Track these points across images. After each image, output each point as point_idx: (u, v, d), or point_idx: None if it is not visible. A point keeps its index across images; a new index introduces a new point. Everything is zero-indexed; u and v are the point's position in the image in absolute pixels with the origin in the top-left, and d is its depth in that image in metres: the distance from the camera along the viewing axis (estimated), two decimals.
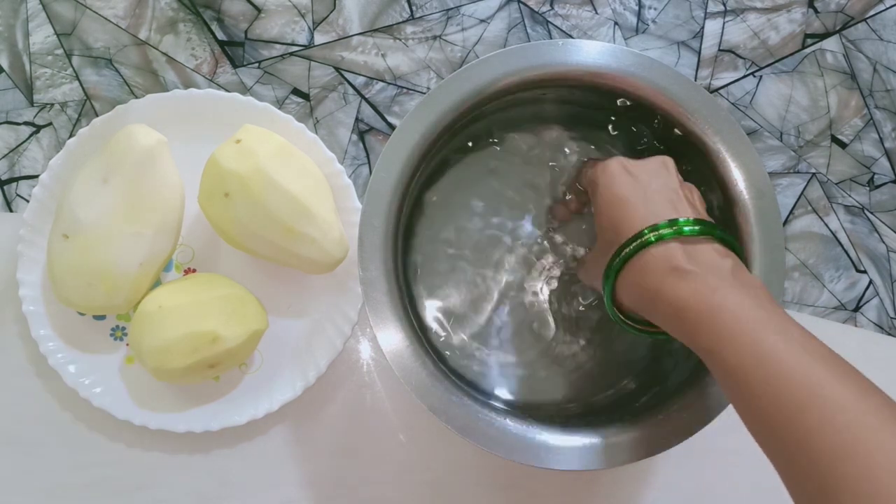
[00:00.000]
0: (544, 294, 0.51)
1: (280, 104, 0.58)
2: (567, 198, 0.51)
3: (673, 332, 0.39)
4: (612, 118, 0.51)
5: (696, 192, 0.44)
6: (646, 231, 0.39)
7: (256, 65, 0.59)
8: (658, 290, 0.38)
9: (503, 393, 0.50)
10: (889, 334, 0.59)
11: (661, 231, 0.39)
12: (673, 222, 0.39)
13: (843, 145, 0.61)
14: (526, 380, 0.50)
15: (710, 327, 0.36)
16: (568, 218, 0.52)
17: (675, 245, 0.39)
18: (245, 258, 0.53)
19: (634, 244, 0.40)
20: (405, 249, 0.50)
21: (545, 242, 0.52)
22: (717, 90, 0.61)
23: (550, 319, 0.51)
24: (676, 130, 0.48)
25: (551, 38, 0.61)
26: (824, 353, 0.34)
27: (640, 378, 0.50)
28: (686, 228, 0.39)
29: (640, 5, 0.61)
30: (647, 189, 0.41)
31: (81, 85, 0.58)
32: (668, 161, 0.44)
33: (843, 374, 0.33)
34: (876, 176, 0.61)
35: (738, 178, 0.47)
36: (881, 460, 0.29)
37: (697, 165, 0.50)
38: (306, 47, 0.59)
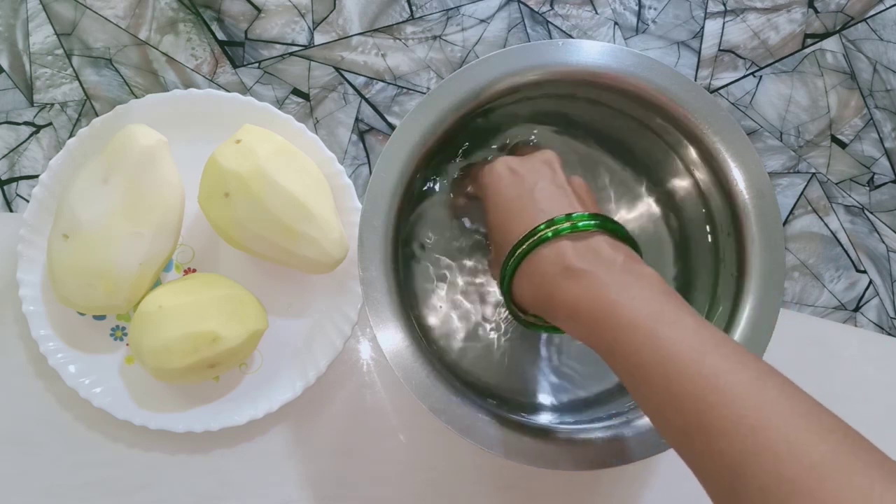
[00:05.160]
0: None
1: (280, 104, 0.58)
2: (460, 198, 0.51)
3: (572, 334, 0.38)
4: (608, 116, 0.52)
5: (584, 186, 0.43)
6: (541, 227, 0.38)
7: (256, 65, 0.59)
8: (551, 294, 0.38)
9: (504, 393, 0.50)
10: (889, 334, 0.59)
11: (557, 226, 0.38)
12: (568, 216, 0.38)
13: (843, 145, 0.61)
14: (527, 379, 0.50)
15: (605, 326, 0.35)
16: (466, 212, 0.51)
17: (566, 243, 0.38)
18: (245, 258, 0.53)
19: (528, 242, 0.39)
20: (405, 249, 0.50)
21: None
22: (717, 90, 0.61)
23: None
24: (677, 131, 0.49)
25: (551, 38, 0.61)
26: (717, 339, 0.33)
27: None
28: (581, 223, 0.38)
29: (640, 5, 0.61)
30: (533, 187, 0.41)
31: (81, 85, 0.58)
32: (552, 156, 0.43)
33: (737, 360, 0.32)
34: (876, 176, 0.61)
35: (738, 178, 0.47)
36: (782, 448, 0.29)
37: (696, 165, 0.50)
38: (306, 47, 0.59)
